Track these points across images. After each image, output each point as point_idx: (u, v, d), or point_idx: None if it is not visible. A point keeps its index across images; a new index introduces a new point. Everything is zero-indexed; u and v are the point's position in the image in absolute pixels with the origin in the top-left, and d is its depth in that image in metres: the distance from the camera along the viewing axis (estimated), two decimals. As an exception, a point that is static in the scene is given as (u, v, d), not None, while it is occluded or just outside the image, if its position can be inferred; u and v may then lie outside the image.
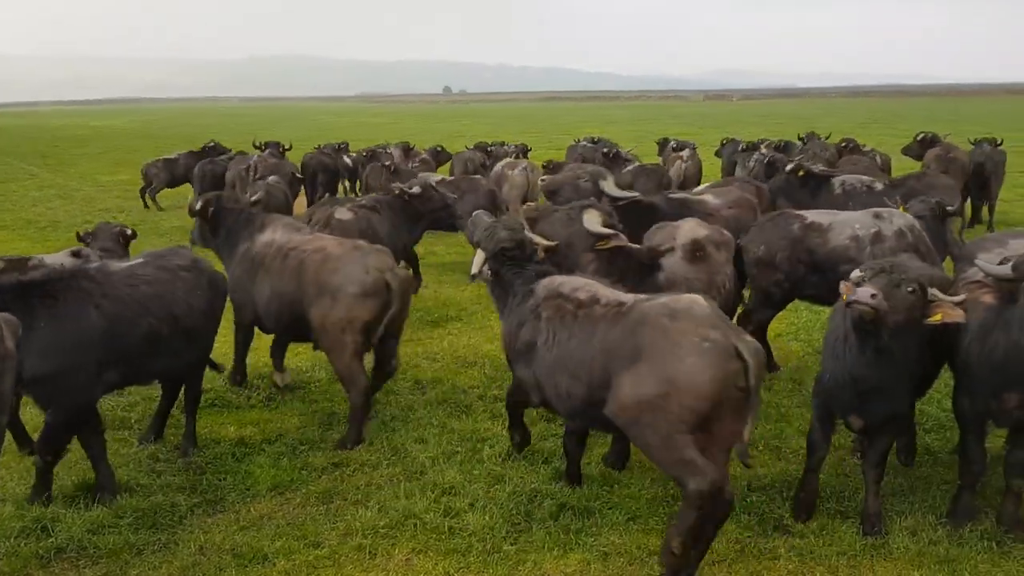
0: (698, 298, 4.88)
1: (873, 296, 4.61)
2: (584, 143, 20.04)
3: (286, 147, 19.50)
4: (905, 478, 5.94)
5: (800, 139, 19.79)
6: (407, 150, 20.61)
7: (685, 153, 17.32)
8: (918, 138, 17.23)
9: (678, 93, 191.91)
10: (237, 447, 6.61)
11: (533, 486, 5.83)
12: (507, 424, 6.24)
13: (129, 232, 8.48)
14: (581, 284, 5.46)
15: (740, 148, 18.11)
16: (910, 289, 4.72)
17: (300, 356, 8.91)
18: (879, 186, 10.70)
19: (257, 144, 19.90)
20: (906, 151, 17.43)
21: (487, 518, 5.41)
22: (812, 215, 7.91)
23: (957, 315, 4.82)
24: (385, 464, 6.28)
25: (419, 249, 14.47)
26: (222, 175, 17.09)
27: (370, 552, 5.14)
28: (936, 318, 4.82)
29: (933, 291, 4.86)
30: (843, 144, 17.83)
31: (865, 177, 11.21)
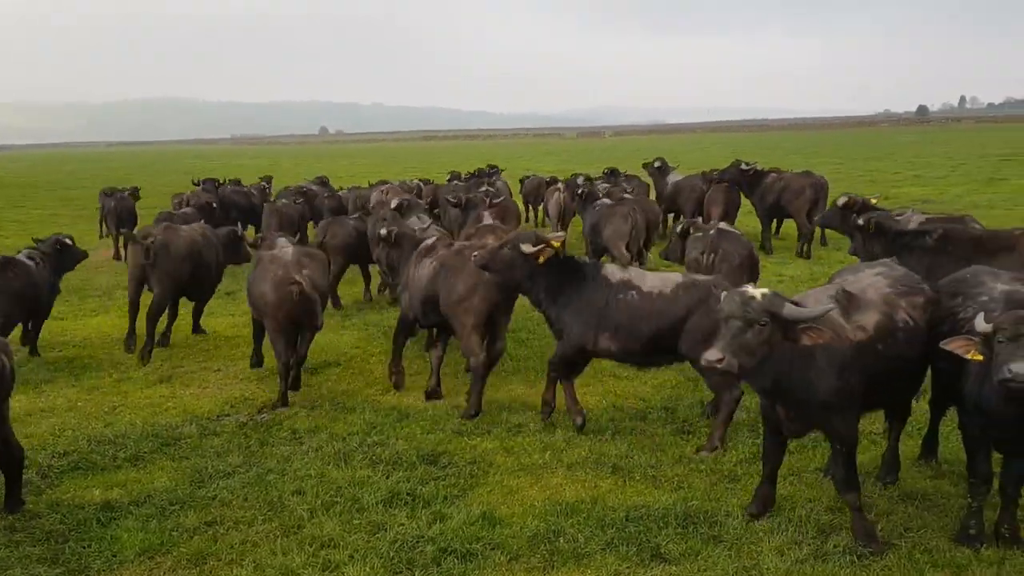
0: (289, 249, 9.08)
1: None
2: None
3: (221, 182, 21.55)
4: (773, 499, 6.17)
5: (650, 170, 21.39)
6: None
7: (561, 186, 19.25)
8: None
9: (553, 130, 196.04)
10: (102, 511, 6.27)
11: (415, 532, 5.78)
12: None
13: (68, 240, 10.96)
14: (283, 244, 9.48)
15: (581, 180, 19.91)
16: None
17: (169, 412, 8.60)
18: (607, 204, 14.74)
19: (195, 182, 22.10)
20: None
21: (367, 569, 5.32)
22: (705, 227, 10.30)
23: None
24: (261, 520, 6.09)
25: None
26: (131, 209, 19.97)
27: (246, 613, 4.96)
28: None
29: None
30: (712, 173, 19.12)
31: (608, 200, 15.29)
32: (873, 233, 8.96)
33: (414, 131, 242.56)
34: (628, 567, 5.32)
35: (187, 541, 5.83)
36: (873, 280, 5.93)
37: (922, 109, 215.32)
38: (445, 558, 5.43)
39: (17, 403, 8.01)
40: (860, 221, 9.07)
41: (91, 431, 7.99)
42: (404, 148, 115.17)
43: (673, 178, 20.05)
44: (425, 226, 10.41)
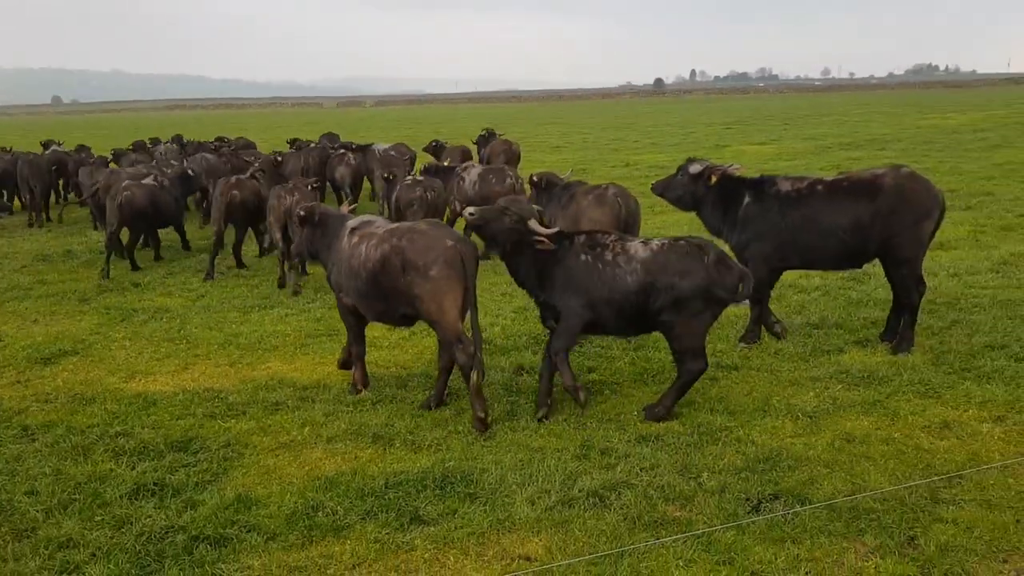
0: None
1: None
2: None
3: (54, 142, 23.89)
4: (525, 452, 6.49)
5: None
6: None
7: (350, 155, 19.62)
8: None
9: (312, 100, 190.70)
10: None
11: (164, 523, 5.52)
12: None
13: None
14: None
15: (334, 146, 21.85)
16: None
17: None
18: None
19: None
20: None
21: (112, 567, 5.01)
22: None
23: None
24: (-13, 527, 5.57)
25: (27, 279, 13.06)
26: None
27: (-30, 630, 4.55)
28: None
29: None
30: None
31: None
32: (544, 188, 10.75)
33: (159, 100, 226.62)
34: (387, 533, 5.40)
35: None
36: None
37: (659, 82, 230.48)
38: (197, 546, 5.24)
39: None
40: (535, 178, 10.92)
41: None
42: (149, 118, 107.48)
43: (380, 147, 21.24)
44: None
